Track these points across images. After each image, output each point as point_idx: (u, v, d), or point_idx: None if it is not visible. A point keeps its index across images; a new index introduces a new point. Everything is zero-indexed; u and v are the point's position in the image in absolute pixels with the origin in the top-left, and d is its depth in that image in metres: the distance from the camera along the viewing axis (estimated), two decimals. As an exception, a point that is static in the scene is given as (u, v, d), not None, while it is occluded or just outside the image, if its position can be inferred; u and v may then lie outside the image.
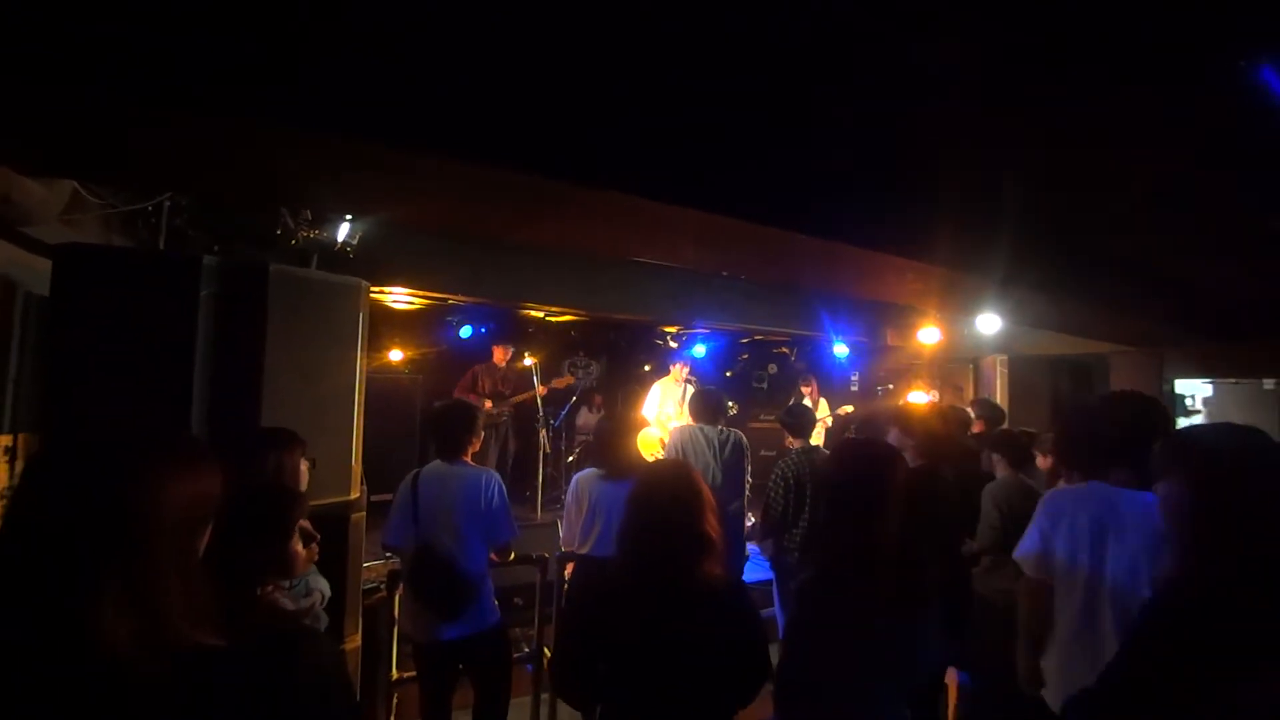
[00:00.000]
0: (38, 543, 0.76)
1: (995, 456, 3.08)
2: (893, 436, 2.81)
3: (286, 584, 1.81)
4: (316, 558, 1.74)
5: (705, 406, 3.75)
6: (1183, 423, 5.62)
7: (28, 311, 2.66)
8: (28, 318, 2.66)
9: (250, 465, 1.86)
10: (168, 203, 3.10)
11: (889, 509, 1.58)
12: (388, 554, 3.73)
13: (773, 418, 7.30)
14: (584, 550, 2.99)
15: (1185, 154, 2.69)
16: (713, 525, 1.63)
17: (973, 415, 4.16)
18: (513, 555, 2.86)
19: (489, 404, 6.06)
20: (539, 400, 6.11)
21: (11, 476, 2.57)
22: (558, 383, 6.58)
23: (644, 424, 5.88)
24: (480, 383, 6.21)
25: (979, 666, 2.83)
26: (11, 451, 2.61)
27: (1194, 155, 2.69)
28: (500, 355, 6.33)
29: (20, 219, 2.43)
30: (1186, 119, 2.44)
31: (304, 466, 2.07)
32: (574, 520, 3.08)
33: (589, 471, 3.13)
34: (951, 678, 3.04)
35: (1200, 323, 4.72)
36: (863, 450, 1.85)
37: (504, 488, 2.72)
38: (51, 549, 0.75)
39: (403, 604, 2.76)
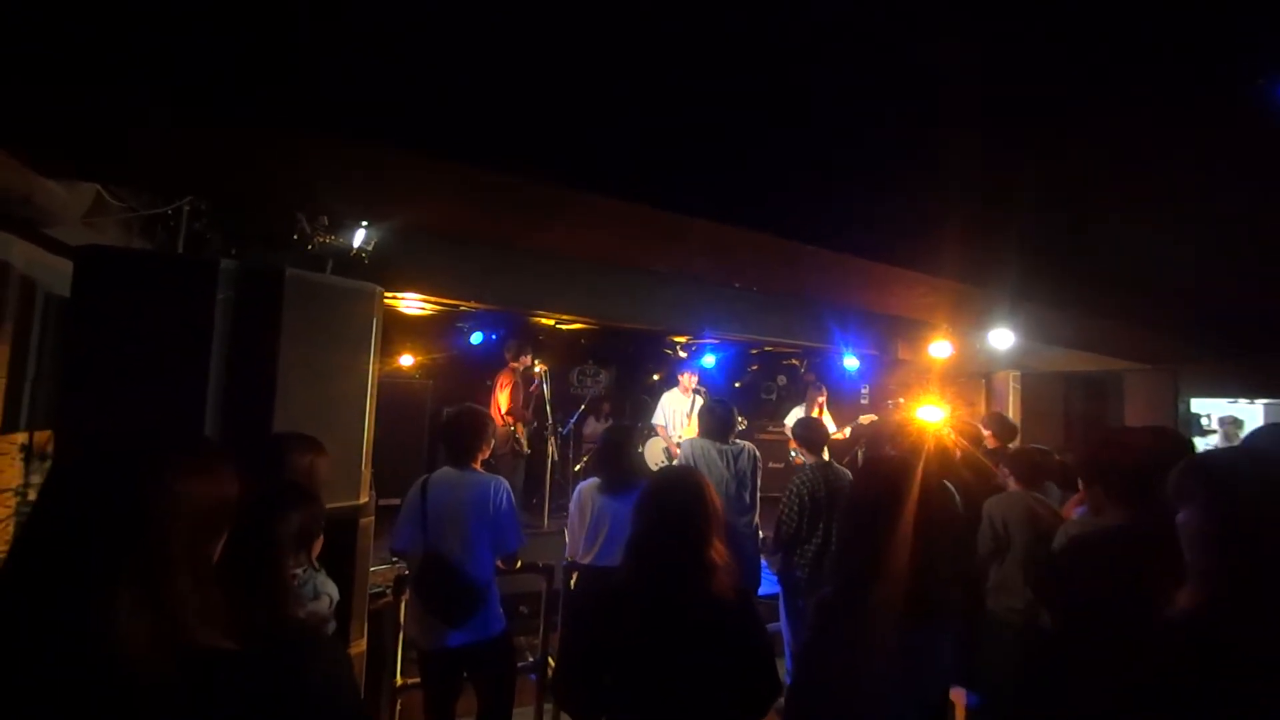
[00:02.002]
0: (54, 543, 0.76)
1: (1007, 472, 3.05)
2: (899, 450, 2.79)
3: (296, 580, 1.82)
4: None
5: (715, 422, 3.64)
6: (1199, 442, 5.55)
7: (48, 312, 2.70)
8: (48, 318, 2.70)
9: (280, 466, 1.87)
10: (187, 207, 3.14)
11: (905, 524, 1.56)
12: (395, 559, 3.73)
13: (781, 429, 7.27)
14: (587, 560, 2.98)
15: (1201, 165, 2.67)
16: (720, 535, 1.62)
17: (985, 431, 4.12)
18: (519, 563, 2.85)
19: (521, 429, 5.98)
20: (548, 408, 6.11)
21: (26, 474, 2.59)
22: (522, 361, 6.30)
23: (655, 435, 5.87)
24: (518, 393, 6.06)
25: (989, 686, 2.78)
26: (27, 449, 2.64)
27: (1210, 166, 2.67)
28: (516, 362, 6.23)
29: (43, 220, 2.47)
30: (1201, 129, 2.42)
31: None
32: (577, 530, 3.07)
33: (591, 481, 3.12)
34: (958, 696, 2.99)
35: (1217, 339, 4.66)
36: (879, 466, 1.85)
37: (512, 495, 2.72)
38: (68, 550, 0.75)
39: (409, 610, 2.76)
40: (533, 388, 6.17)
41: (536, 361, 6.25)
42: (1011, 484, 3.03)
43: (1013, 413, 6.26)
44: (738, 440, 3.66)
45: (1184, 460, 1.19)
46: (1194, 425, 5.64)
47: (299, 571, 1.81)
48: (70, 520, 0.76)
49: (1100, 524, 2.00)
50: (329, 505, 1.95)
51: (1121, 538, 1.75)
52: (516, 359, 6.13)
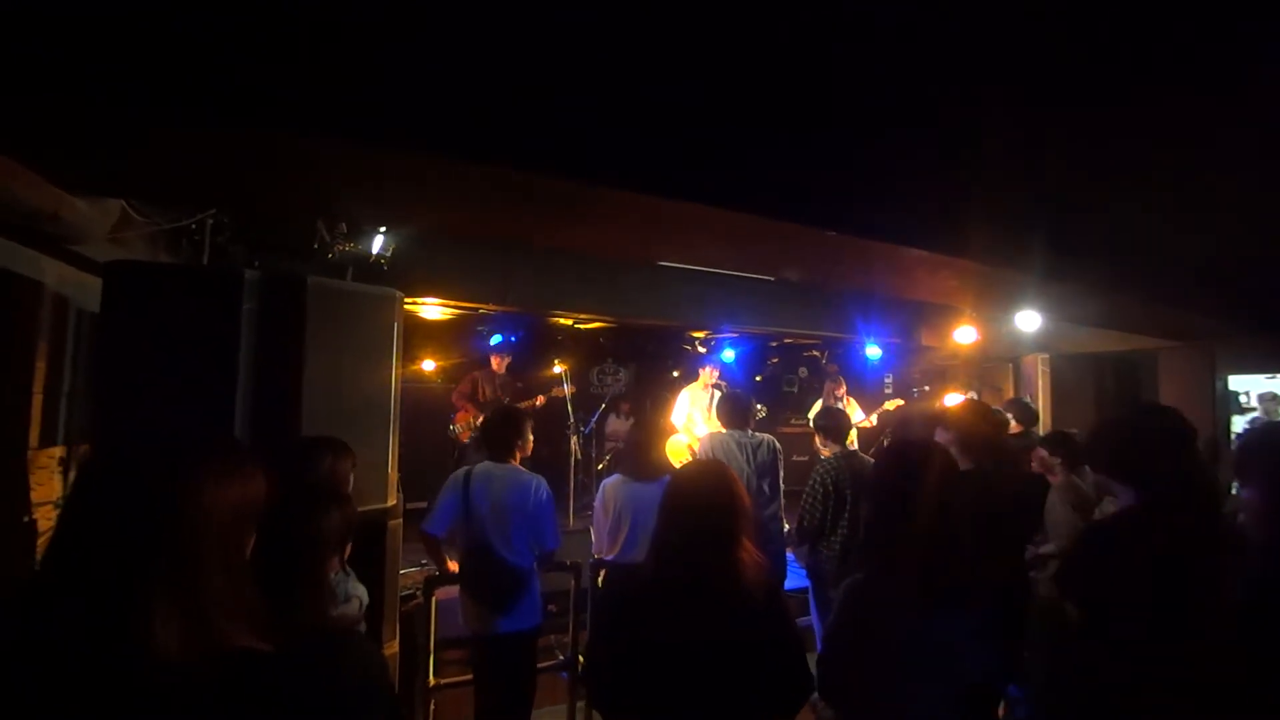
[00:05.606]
0: (89, 547, 0.77)
1: (1054, 458, 2.97)
2: (939, 437, 2.73)
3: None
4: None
5: (733, 410, 3.69)
6: (1237, 420, 5.37)
7: (80, 328, 2.76)
8: (80, 334, 2.76)
9: (304, 470, 1.90)
10: (211, 220, 3.19)
11: (929, 509, 1.53)
12: (424, 561, 3.77)
13: (804, 422, 7.20)
14: (611, 556, 2.99)
15: (1231, 138, 2.58)
16: (748, 528, 1.60)
17: (1011, 417, 4.05)
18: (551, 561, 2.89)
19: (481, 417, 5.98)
20: (569, 407, 6.13)
21: (65, 486, 2.66)
22: (557, 391, 6.38)
23: (672, 431, 5.85)
24: (480, 390, 6.22)
25: (1036, 674, 2.71)
26: (64, 462, 2.70)
27: (1241, 139, 2.58)
28: (498, 364, 6.31)
29: (71, 238, 2.52)
30: (1237, 106, 2.34)
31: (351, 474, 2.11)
32: (601, 527, 3.09)
33: (615, 478, 3.15)
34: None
35: (1255, 314, 4.51)
36: (901, 451, 1.82)
37: (551, 496, 2.76)
38: (102, 554, 0.76)
39: (460, 601, 2.80)
40: (496, 389, 6.23)
41: (558, 363, 6.28)
42: (1060, 470, 2.95)
43: (1043, 397, 6.13)
44: (757, 433, 3.65)
45: (1243, 439, 1.17)
46: (1232, 402, 5.47)
47: (334, 574, 1.82)
48: (103, 525, 0.77)
49: (1114, 510, 1.96)
50: (358, 509, 1.97)
51: (1135, 521, 1.70)
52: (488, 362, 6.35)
